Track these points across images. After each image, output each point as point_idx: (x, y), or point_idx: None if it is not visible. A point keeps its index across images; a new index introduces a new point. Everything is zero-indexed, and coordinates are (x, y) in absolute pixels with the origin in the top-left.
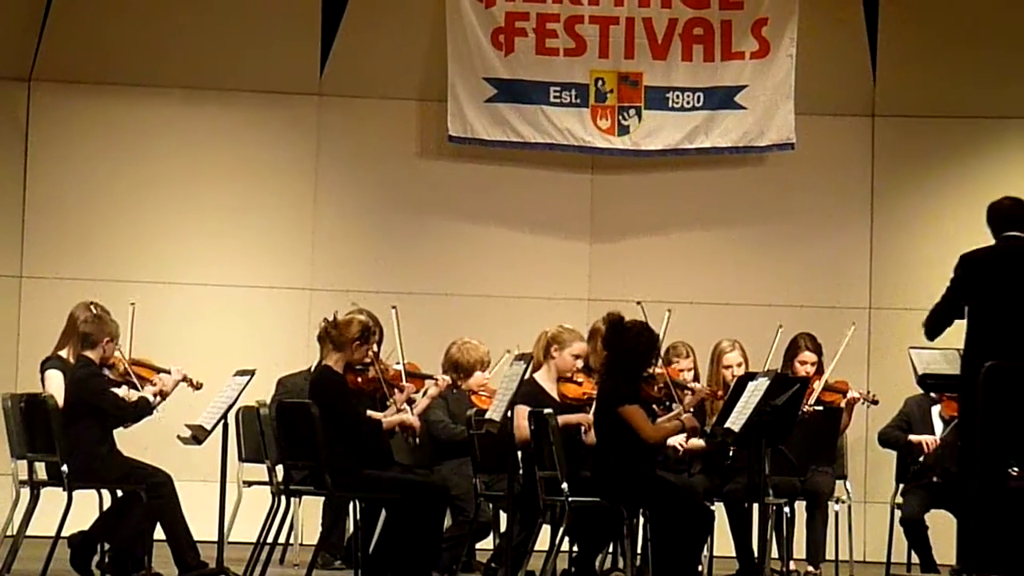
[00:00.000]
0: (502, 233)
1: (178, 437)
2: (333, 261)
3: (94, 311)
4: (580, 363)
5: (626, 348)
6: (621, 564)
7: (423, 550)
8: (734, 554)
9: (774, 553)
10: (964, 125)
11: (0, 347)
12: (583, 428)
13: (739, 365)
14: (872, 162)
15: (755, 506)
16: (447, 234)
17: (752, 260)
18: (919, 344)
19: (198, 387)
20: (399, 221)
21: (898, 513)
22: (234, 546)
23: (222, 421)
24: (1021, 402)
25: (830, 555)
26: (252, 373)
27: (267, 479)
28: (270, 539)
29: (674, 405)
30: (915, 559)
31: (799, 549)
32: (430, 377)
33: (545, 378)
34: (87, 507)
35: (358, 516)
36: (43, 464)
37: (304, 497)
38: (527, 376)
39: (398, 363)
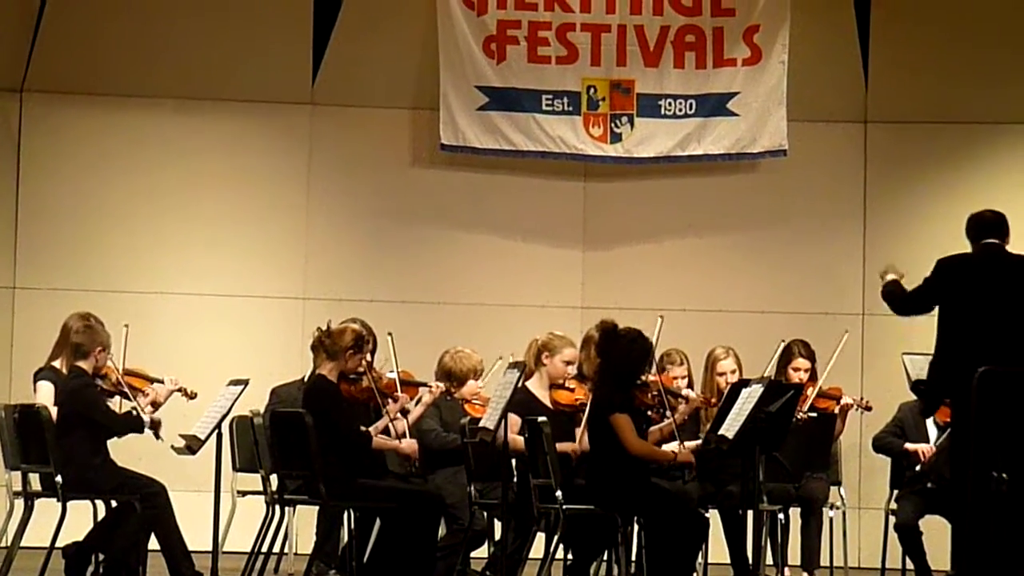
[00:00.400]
0: (495, 241)
1: (172, 447)
2: (326, 270)
3: (86, 321)
4: (572, 369)
5: (619, 356)
6: (616, 572)
7: (418, 559)
8: (729, 561)
9: (769, 560)
10: (957, 131)
11: None
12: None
13: (733, 372)
14: (865, 168)
15: (750, 513)
16: (440, 242)
17: (745, 267)
18: (912, 350)
19: (192, 397)
20: (392, 230)
21: (892, 519)
22: (229, 556)
23: (216, 431)
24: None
25: (825, 561)
26: (246, 383)
27: (261, 489)
28: (265, 549)
29: (668, 413)
30: (910, 565)
31: (794, 555)
32: (424, 384)
33: (537, 385)
34: (81, 518)
35: (352, 525)
36: (37, 475)
37: (298, 506)
38: (519, 384)
39: (391, 371)
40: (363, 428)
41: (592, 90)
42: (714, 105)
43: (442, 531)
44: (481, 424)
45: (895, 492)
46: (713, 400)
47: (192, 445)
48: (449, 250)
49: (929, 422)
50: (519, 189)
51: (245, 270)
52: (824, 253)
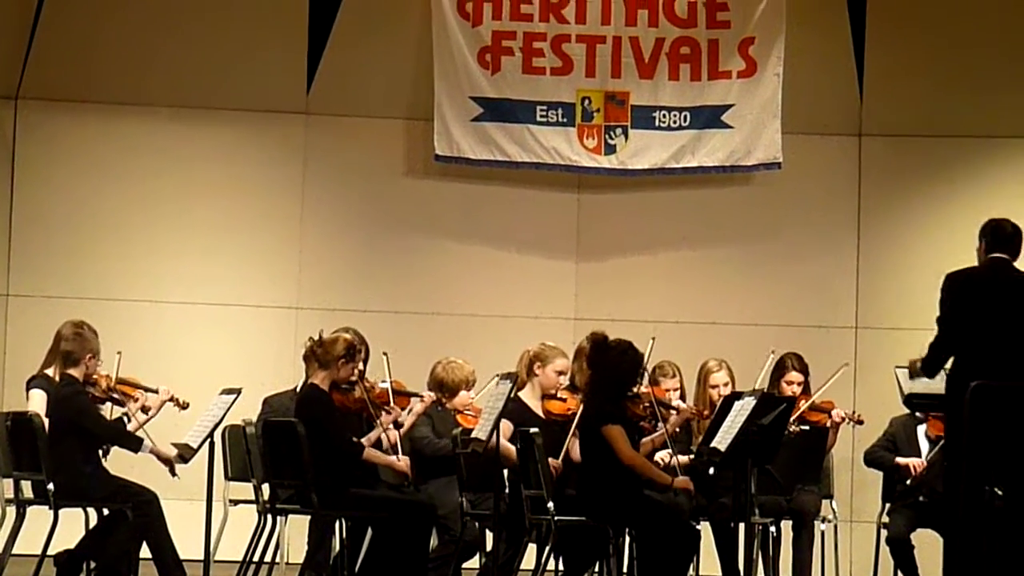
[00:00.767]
0: (488, 252)
1: None
2: (320, 280)
3: (77, 329)
4: (564, 380)
5: (610, 367)
6: None
7: (409, 569)
8: (720, 574)
9: (760, 572)
10: (951, 144)
11: None
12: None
13: (726, 385)
14: (859, 181)
15: (741, 525)
16: (433, 253)
17: (739, 280)
18: (904, 364)
19: (184, 407)
20: (386, 240)
21: (884, 532)
22: (220, 565)
23: (208, 440)
24: (1006, 422)
25: (816, 575)
26: (238, 392)
27: (253, 498)
28: (256, 558)
29: (660, 424)
30: None
31: (785, 568)
32: (416, 395)
33: (530, 396)
34: (73, 525)
35: (344, 535)
36: (29, 482)
37: (290, 516)
38: (512, 395)
39: (384, 381)
40: (355, 439)
41: (587, 101)
42: (709, 117)
43: (434, 541)
44: (473, 435)
45: (887, 505)
46: (706, 412)
47: (184, 454)
48: (442, 261)
49: (921, 436)
50: (513, 200)
51: (239, 279)
52: (818, 266)
